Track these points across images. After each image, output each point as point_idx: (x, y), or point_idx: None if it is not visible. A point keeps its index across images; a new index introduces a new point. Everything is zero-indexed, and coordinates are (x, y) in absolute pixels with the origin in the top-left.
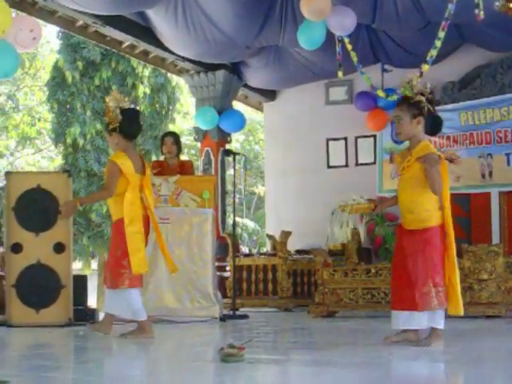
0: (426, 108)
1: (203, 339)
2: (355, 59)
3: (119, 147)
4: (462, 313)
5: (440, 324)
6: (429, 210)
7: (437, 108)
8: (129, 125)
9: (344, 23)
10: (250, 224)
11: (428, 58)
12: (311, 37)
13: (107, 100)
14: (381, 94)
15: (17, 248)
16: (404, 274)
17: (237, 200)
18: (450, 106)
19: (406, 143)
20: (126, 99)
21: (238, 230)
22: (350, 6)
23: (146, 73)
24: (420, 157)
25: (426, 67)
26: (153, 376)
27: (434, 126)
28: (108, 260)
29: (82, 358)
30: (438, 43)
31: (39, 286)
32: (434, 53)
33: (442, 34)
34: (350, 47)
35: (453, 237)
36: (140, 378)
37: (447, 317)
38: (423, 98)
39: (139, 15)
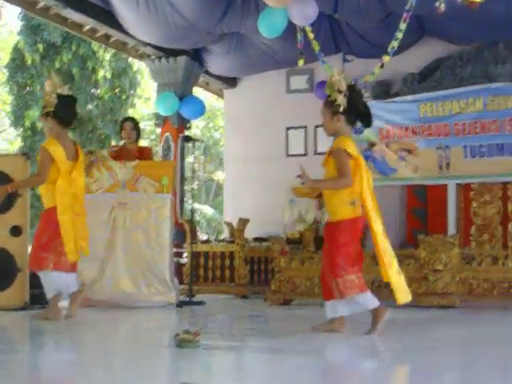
0: (342, 105)
1: (159, 325)
2: (317, 48)
3: (53, 133)
4: (410, 299)
5: (329, 313)
6: (335, 205)
7: (397, 99)
8: (64, 110)
9: (305, 13)
10: (209, 211)
11: (389, 49)
12: (272, 24)
13: (45, 83)
14: None
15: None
16: (322, 265)
17: (195, 186)
18: (409, 98)
19: (366, 134)
20: (66, 86)
21: (196, 217)
22: None
23: (107, 57)
24: (331, 152)
25: (386, 58)
26: (108, 360)
27: (353, 119)
28: (33, 244)
29: (37, 342)
30: (400, 35)
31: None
32: (395, 44)
33: (403, 26)
34: (311, 36)
35: (379, 231)
36: (95, 362)
37: (400, 306)
38: (340, 96)
39: None
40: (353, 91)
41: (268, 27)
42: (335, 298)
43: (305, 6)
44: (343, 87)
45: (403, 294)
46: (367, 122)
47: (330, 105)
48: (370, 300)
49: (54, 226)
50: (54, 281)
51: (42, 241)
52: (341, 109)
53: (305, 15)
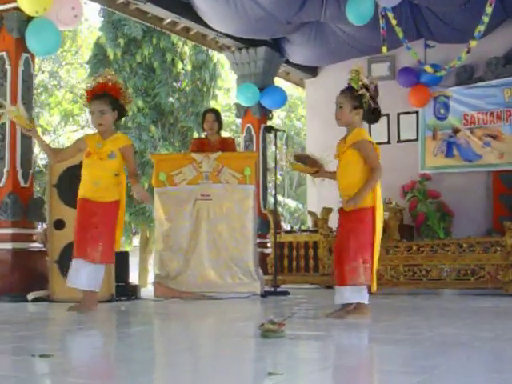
0: (367, 103)
1: (244, 315)
2: (401, 34)
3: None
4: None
5: (366, 299)
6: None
7: (481, 84)
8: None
9: None
10: (292, 202)
11: (475, 34)
12: (360, 12)
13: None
14: (428, 69)
15: (59, 224)
16: (338, 252)
17: (279, 177)
18: (493, 82)
19: (449, 120)
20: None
21: (279, 207)
22: None
23: (187, 49)
24: (353, 143)
25: (473, 43)
26: (193, 350)
27: (372, 117)
28: (104, 237)
29: (124, 333)
30: (486, 19)
31: None
32: (481, 28)
33: (489, 10)
34: (394, 22)
35: (380, 219)
36: (181, 353)
37: (488, 294)
38: (367, 93)
39: None
40: (375, 90)
41: (356, 15)
42: (359, 283)
43: None
44: (369, 84)
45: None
46: (374, 121)
47: (353, 97)
48: (365, 294)
49: (116, 219)
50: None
51: (112, 235)
52: (365, 105)
53: None
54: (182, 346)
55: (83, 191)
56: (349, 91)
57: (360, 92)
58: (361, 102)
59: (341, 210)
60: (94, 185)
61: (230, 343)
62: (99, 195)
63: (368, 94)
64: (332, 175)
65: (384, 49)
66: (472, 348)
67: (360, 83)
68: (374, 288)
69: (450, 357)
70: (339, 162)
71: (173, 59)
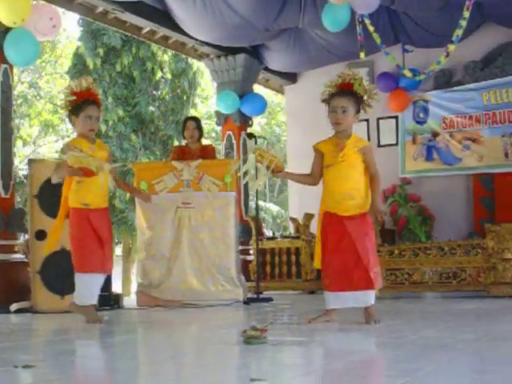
0: (365, 108)
1: (227, 322)
2: (378, 40)
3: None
4: None
5: (373, 301)
6: (363, 197)
7: (459, 87)
8: None
9: (367, 2)
10: (274, 208)
11: (453, 38)
12: (336, 18)
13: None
14: (407, 73)
15: (41, 235)
16: (353, 257)
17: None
18: (472, 86)
19: (429, 124)
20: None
21: (262, 214)
22: None
23: (166, 58)
24: (361, 148)
25: (452, 47)
26: (177, 359)
27: None
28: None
29: (108, 342)
30: (464, 23)
31: (64, 273)
32: (459, 32)
33: (466, 14)
34: (372, 29)
35: None
36: (164, 361)
37: (470, 297)
38: (370, 100)
39: (158, 1)
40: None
41: (332, 21)
42: (379, 286)
43: None
44: (372, 92)
45: None
46: None
47: (357, 101)
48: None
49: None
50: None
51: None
52: (367, 110)
53: (367, 4)
54: (165, 355)
55: (89, 199)
56: (352, 96)
57: (365, 99)
58: (361, 108)
59: (334, 216)
60: (101, 193)
61: (213, 351)
62: (103, 201)
63: (370, 100)
64: (299, 178)
65: (362, 54)
66: (454, 350)
67: (364, 87)
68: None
69: (432, 359)
70: (338, 165)
71: (152, 68)
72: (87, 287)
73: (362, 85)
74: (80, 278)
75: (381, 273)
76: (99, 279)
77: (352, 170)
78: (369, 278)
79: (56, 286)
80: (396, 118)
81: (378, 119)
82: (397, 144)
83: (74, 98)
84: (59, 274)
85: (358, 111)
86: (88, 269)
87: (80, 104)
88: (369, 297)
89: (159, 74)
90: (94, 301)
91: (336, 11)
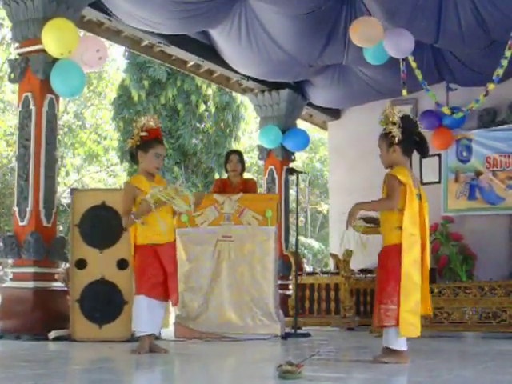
0: (397, 137)
1: (263, 356)
2: (420, 77)
3: None
4: (417, 334)
5: (391, 344)
6: (387, 229)
7: (503, 127)
8: None
9: (401, 46)
10: (315, 244)
11: (494, 77)
12: (377, 52)
13: None
14: (446, 110)
15: (81, 264)
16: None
17: (301, 219)
18: None
19: (472, 162)
20: None
21: (302, 249)
22: (412, 25)
23: (211, 91)
24: (384, 180)
25: (491, 86)
26: None
27: (409, 149)
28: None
29: (142, 373)
30: (505, 62)
31: (102, 302)
32: (500, 71)
33: (508, 53)
34: (414, 65)
35: (414, 256)
36: None
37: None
38: (394, 128)
39: (203, 35)
40: (407, 122)
41: (373, 55)
42: (382, 325)
43: (400, 38)
44: (396, 119)
45: (408, 328)
46: (423, 151)
47: (385, 137)
48: (401, 340)
49: None
50: None
51: None
52: (396, 140)
53: (400, 48)
54: None
55: (155, 237)
56: (383, 132)
57: (387, 129)
58: (392, 139)
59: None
60: (167, 228)
61: None
62: (170, 235)
63: (396, 129)
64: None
65: (404, 92)
66: None
67: (389, 119)
68: (404, 332)
69: None
70: None
71: (197, 101)
72: (143, 312)
73: (382, 119)
74: (137, 301)
75: (380, 309)
76: (157, 308)
77: None
78: (377, 314)
79: (94, 315)
80: (439, 155)
81: (421, 157)
82: (439, 182)
83: (146, 134)
84: (98, 303)
85: (390, 144)
86: (146, 291)
87: (150, 141)
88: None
89: (203, 107)
90: (152, 329)
91: (376, 45)
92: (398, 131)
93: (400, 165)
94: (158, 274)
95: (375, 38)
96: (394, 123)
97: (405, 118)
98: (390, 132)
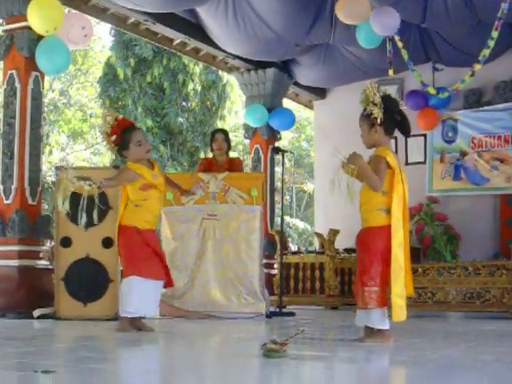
0: (378, 117)
1: (248, 335)
2: (406, 57)
3: None
4: (403, 318)
5: (375, 323)
6: (368, 211)
7: (489, 107)
8: None
9: (387, 24)
10: (300, 223)
11: (480, 58)
12: (370, 35)
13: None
14: (431, 90)
15: (66, 242)
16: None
17: (287, 198)
18: (501, 106)
19: (457, 143)
20: None
21: (287, 228)
22: (399, 5)
23: (197, 70)
24: (369, 160)
25: (477, 66)
26: (196, 370)
27: (392, 129)
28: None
29: (126, 351)
30: (491, 43)
31: (87, 280)
32: (486, 52)
33: (495, 34)
34: (400, 45)
35: (399, 239)
36: (184, 371)
37: (493, 318)
38: (375, 109)
39: (190, 13)
40: (388, 101)
41: (366, 38)
42: (362, 307)
43: (386, 16)
44: (377, 99)
45: (399, 312)
46: (405, 130)
47: (366, 118)
48: (382, 319)
49: None
50: None
51: None
52: (378, 121)
53: (386, 26)
54: (185, 365)
55: (141, 223)
56: (364, 113)
57: (368, 109)
58: (373, 120)
59: (359, 232)
60: (154, 217)
61: (232, 363)
62: (154, 223)
63: (377, 110)
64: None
65: (390, 71)
66: (474, 370)
67: (369, 100)
68: (395, 316)
69: (451, 379)
70: None
71: (184, 80)
72: (133, 293)
73: (363, 99)
74: (128, 282)
75: (364, 291)
76: (152, 288)
77: (365, 185)
78: (360, 297)
79: (79, 294)
80: (424, 136)
81: (406, 137)
82: (425, 162)
83: (115, 136)
84: (83, 281)
85: (372, 125)
86: (139, 271)
87: (124, 137)
88: (357, 316)
89: (190, 86)
90: (143, 311)
91: (370, 28)
92: (380, 112)
93: (383, 145)
94: (151, 253)
95: (362, 15)
96: (374, 104)
97: (385, 98)
98: (371, 113)
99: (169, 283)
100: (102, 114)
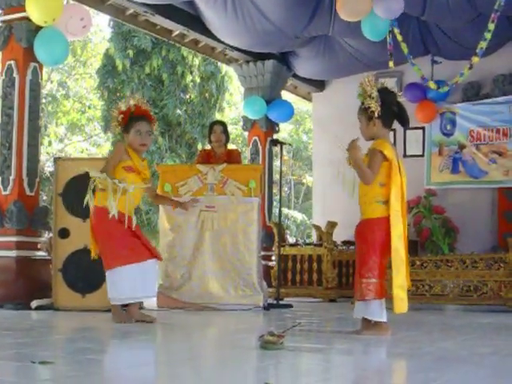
0: (376, 111)
1: (245, 327)
2: (406, 50)
3: None
4: (405, 310)
5: (373, 315)
6: (366, 203)
7: (487, 100)
8: None
9: (391, 7)
10: (298, 215)
11: (478, 50)
12: (375, 28)
13: None
14: (432, 85)
15: (64, 233)
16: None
17: (285, 190)
18: (500, 99)
19: (456, 136)
20: None
21: (285, 220)
22: None
23: (196, 61)
24: (367, 153)
25: (475, 59)
26: (194, 361)
27: (390, 121)
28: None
29: (125, 342)
30: (488, 35)
31: (85, 271)
32: (483, 45)
33: (491, 26)
34: (400, 38)
35: (399, 231)
36: (180, 362)
37: (490, 310)
38: (372, 102)
39: (189, 4)
40: (385, 94)
41: (371, 31)
42: (360, 298)
43: (390, 1)
44: (374, 93)
45: (400, 304)
46: (403, 121)
47: (364, 111)
48: (380, 311)
49: None
50: None
51: None
52: (375, 114)
53: (390, 9)
54: (182, 357)
55: (124, 209)
56: (362, 106)
57: (366, 103)
58: (371, 113)
59: (358, 223)
60: (129, 204)
61: (229, 354)
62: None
63: (374, 103)
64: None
65: (390, 64)
66: (470, 363)
67: (366, 94)
68: (397, 308)
69: (448, 371)
70: None
71: (183, 72)
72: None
73: (360, 92)
74: (115, 273)
75: (361, 283)
76: (145, 269)
77: None
78: (358, 288)
79: (77, 285)
80: (423, 129)
81: (405, 130)
82: (423, 155)
83: (121, 116)
84: (81, 272)
85: (369, 118)
86: (125, 260)
87: (128, 121)
88: (355, 308)
89: (189, 78)
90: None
91: (376, 21)
92: (377, 105)
93: (381, 137)
94: (128, 236)
95: (363, 11)
96: (372, 97)
97: (382, 91)
98: (369, 106)
99: (157, 258)
100: (128, 95)
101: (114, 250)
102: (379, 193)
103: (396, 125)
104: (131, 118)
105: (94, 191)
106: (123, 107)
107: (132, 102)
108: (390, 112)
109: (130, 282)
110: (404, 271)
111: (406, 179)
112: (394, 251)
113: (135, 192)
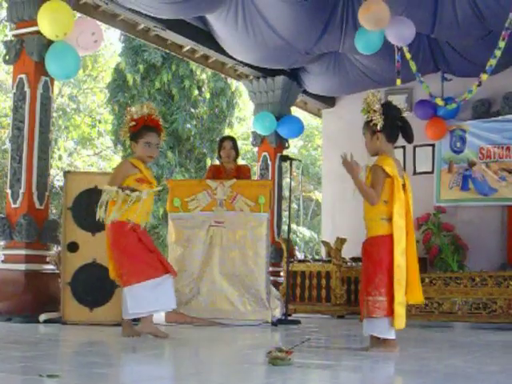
0: (379, 124)
1: (253, 342)
2: (414, 68)
3: None
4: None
5: (381, 333)
6: (371, 220)
7: (497, 118)
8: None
9: (402, 34)
10: (306, 232)
11: (487, 68)
12: (369, 42)
13: None
14: (439, 102)
15: (73, 247)
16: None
17: (294, 206)
18: (510, 116)
19: (465, 153)
20: None
21: (294, 236)
22: (409, 15)
23: (205, 76)
24: (370, 168)
25: (484, 77)
26: (200, 376)
27: (393, 135)
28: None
29: (133, 357)
30: (498, 53)
31: (94, 285)
32: (493, 62)
33: (502, 44)
34: (408, 56)
35: (401, 248)
36: (189, 378)
37: (499, 328)
38: (375, 116)
39: (200, 20)
40: (388, 108)
41: (365, 45)
42: (367, 316)
43: (402, 26)
44: (377, 106)
45: (399, 321)
46: (408, 136)
47: (368, 125)
48: (388, 328)
49: None
50: None
51: None
52: (378, 127)
53: (401, 37)
54: (190, 372)
55: (138, 218)
56: (366, 120)
57: (369, 117)
58: (374, 127)
59: (364, 241)
60: (146, 213)
61: (237, 370)
62: (144, 221)
63: (377, 116)
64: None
65: (398, 81)
66: (478, 380)
67: (370, 108)
68: (397, 325)
69: None
70: None
71: (191, 86)
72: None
73: (364, 107)
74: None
75: (368, 300)
76: (161, 284)
77: None
78: (365, 306)
79: (85, 299)
80: (433, 146)
81: (415, 147)
82: (432, 172)
83: (134, 124)
84: (89, 286)
85: (373, 132)
86: (144, 276)
87: (139, 130)
88: (364, 325)
89: (196, 92)
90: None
91: (369, 35)
92: (380, 118)
93: (385, 153)
94: (146, 251)
95: (382, 22)
96: (375, 111)
97: (386, 105)
98: (372, 120)
99: (172, 274)
100: (142, 103)
101: (133, 266)
102: (383, 210)
103: (404, 141)
104: (143, 127)
105: (105, 208)
106: (136, 113)
107: (146, 111)
108: (393, 126)
109: (150, 295)
110: (404, 287)
111: (415, 196)
112: (397, 268)
113: (148, 198)
